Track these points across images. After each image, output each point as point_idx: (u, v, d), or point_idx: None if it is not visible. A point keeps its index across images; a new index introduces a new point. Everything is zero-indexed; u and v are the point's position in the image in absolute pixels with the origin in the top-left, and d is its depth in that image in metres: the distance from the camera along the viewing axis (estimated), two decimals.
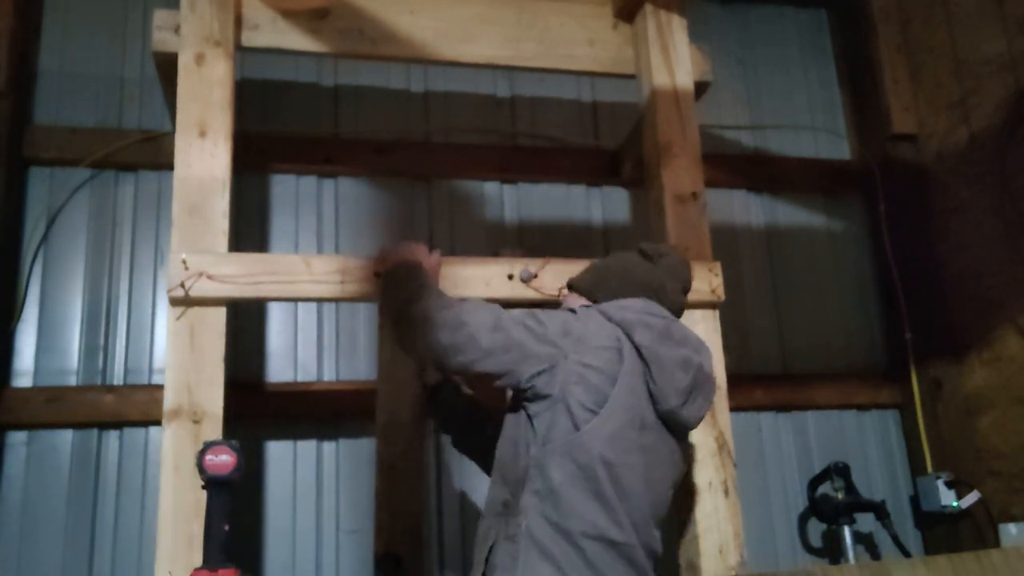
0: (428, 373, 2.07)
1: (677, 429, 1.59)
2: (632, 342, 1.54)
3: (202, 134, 2.00)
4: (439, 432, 2.54)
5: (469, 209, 2.89)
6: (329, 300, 2.25)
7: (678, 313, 1.72)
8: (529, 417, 1.53)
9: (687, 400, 1.55)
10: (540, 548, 1.45)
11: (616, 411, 1.49)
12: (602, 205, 3.01)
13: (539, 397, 1.51)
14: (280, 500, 2.49)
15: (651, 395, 1.53)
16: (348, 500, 2.52)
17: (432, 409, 2.09)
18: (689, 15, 2.46)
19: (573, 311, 1.60)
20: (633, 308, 1.60)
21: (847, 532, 2.69)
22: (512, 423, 1.59)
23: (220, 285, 1.88)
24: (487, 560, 1.54)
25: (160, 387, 1.91)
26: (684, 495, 2.13)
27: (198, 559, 1.50)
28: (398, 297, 1.66)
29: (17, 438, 2.37)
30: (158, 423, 1.99)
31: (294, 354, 2.62)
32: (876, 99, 3.20)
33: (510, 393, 1.61)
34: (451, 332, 1.52)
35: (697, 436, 2.12)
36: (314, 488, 2.52)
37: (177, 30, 2.08)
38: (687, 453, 1.68)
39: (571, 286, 1.81)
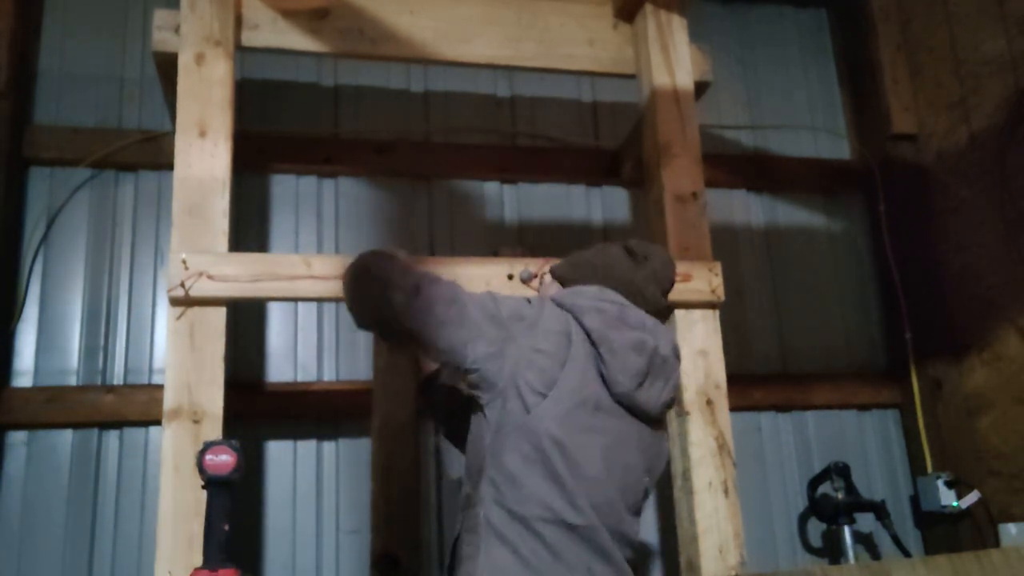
0: (425, 361, 2.07)
1: (641, 414, 1.58)
2: (582, 327, 1.56)
3: (202, 134, 2.00)
4: (437, 432, 2.54)
5: (469, 209, 2.89)
6: (329, 300, 2.24)
7: (655, 313, 1.73)
8: (482, 408, 1.55)
9: (643, 383, 1.56)
10: (498, 535, 1.46)
11: (565, 393, 1.50)
12: (602, 205, 3.01)
13: (486, 382, 1.52)
14: (280, 500, 2.49)
15: (604, 379, 1.54)
16: (348, 500, 2.52)
17: (424, 397, 2.10)
18: (689, 15, 2.46)
19: (528, 300, 1.63)
20: (586, 294, 1.63)
21: (847, 532, 2.69)
22: (474, 421, 1.61)
23: (220, 285, 1.88)
24: (454, 553, 1.56)
25: (160, 387, 1.91)
26: (684, 495, 2.13)
27: (198, 559, 1.49)
28: (357, 263, 1.65)
29: (17, 438, 2.37)
30: (158, 423, 1.99)
31: (294, 354, 2.62)
32: (876, 99, 3.20)
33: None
34: (407, 297, 1.52)
35: (697, 436, 2.12)
36: (314, 488, 2.52)
37: (177, 30, 2.08)
38: (664, 444, 1.68)
39: (553, 273, 1.82)
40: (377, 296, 1.56)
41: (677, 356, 1.67)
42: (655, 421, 1.63)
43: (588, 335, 1.55)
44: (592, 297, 1.62)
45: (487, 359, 1.51)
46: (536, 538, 1.44)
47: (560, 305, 1.61)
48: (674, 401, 1.68)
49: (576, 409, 1.50)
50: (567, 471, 1.46)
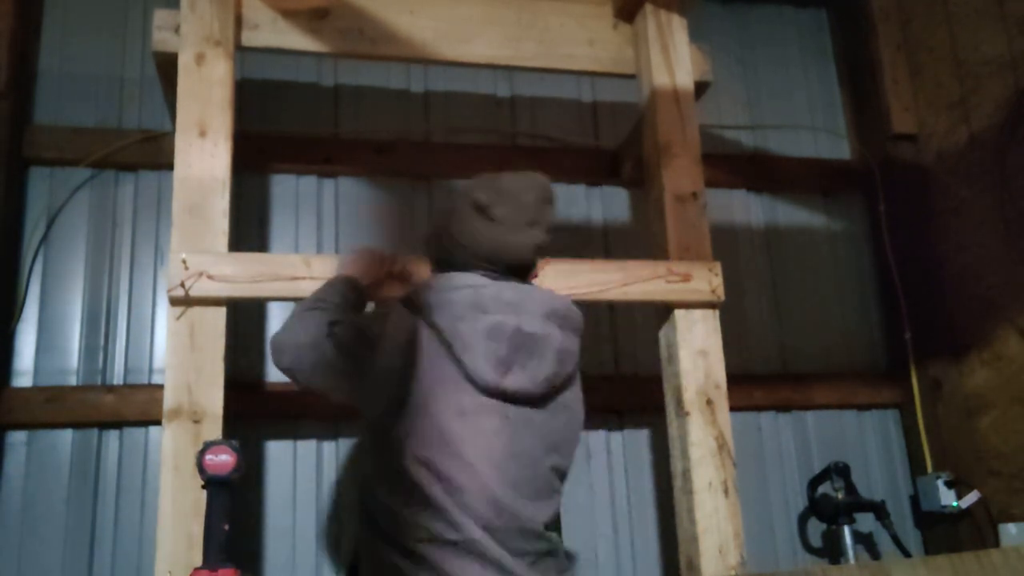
0: None
1: (521, 399, 1.48)
2: (431, 326, 1.47)
3: (202, 134, 2.01)
4: None
5: None
6: None
7: (530, 259, 1.59)
8: (366, 432, 1.54)
9: (509, 369, 1.46)
10: (379, 563, 1.42)
11: (422, 407, 1.43)
12: (602, 205, 3.00)
13: (361, 410, 1.52)
14: (280, 500, 2.49)
15: (466, 375, 1.45)
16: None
17: None
18: (689, 15, 2.47)
19: (376, 313, 1.61)
20: (435, 288, 1.52)
21: (847, 532, 2.69)
22: (358, 448, 1.62)
23: (220, 285, 1.89)
24: None
25: (160, 387, 1.91)
26: (684, 495, 2.13)
27: (198, 559, 1.49)
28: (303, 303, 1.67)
29: (17, 438, 2.37)
30: (158, 423, 1.99)
31: None
32: (876, 99, 3.20)
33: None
34: (288, 365, 1.55)
35: (697, 436, 2.12)
36: (314, 488, 2.52)
37: (177, 30, 2.09)
38: (570, 415, 1.56)
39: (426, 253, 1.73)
40: (278, 347, 1.59)
41: (559, 322, 1.54)
42: (544, 398, 1.52)
43: (439, 335, 1.46)
44: (440, 289, 1.51)
45: (353, 393, 1.52)
46: (418, 563, 1.37)
47: (410, 307, 1.53)
48: (562, 371, 1.53)
49: (438, 419, 1.42)
50: (439, 490, 1.39)
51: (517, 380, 1.47)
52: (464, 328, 1.45)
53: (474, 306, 1.47)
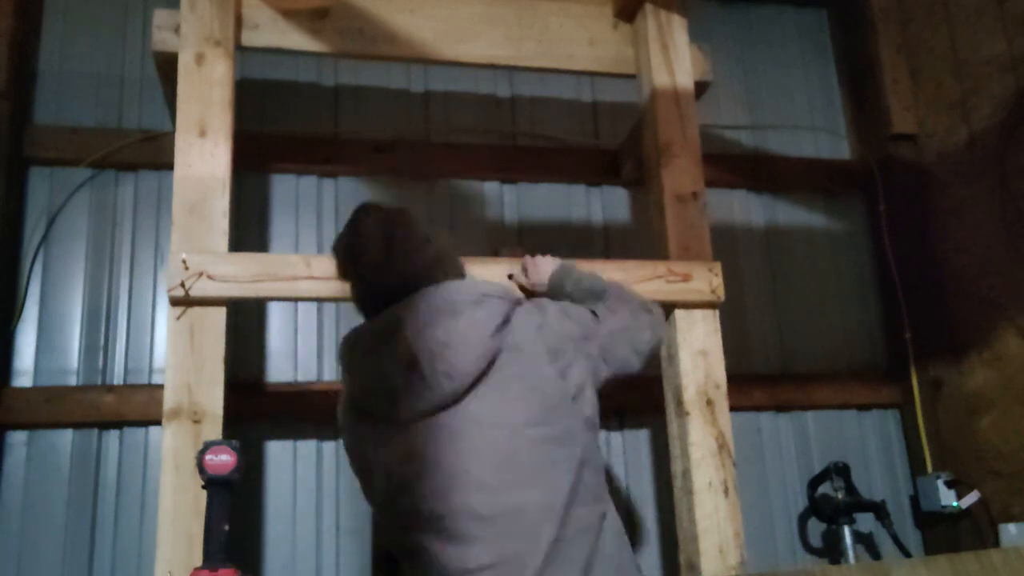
0: None
1: (442, 405, 1.39)
2: (347, 392, 1.55)
3: (202, 134, 2.00)
4: None
5: (469, 209, 2.89)
6: (329, 300, 2.25)
7: (413, 283, 1.48)
8: None
9: (407, 397, 1.39)
10: None
11: (381, 473, 1.44)
12: (602, 205, 3.01)
13: None
14: (280, 500, 2.49)
15: (383, 420, 1.45)
16: (348, 500, 2.52)
17: None
18: (689, 15, 2.47)
19: None
20: (347, 349, 1.55)
21: (847, 532, 2.69)
22: None
23: (220, 285, 1.89)
24: None
25: (160, 387, 1.91)
26: (684, 495, 2.13)
27: (198, 559, 1.49)
28: None
29: (17, 438, 2.37)
30: (158, 423, 1.99)
31: (294, 354, 2.62)
32: (876, 99, 3.20)
33: None
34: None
35: (697, 436, 2.12)
36: (314, 488, 2.52)
37: (177, 30, 2.08)
38: (532, 379, 1.43)
39: None
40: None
41: (445, 312, 1.42)
42: (467, 389, 1.40)
43: (351, 400, 1.54)
44: (342, 346, 1.56)
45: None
46: None
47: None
48: (462, 355, 1.39)
49: (390, 471, 1.42)
50: (429, 537, 1.36)
51: (417, 399, 1.39)
52: (360, 383, 1.50)
53: (368, 350, 1.48)
